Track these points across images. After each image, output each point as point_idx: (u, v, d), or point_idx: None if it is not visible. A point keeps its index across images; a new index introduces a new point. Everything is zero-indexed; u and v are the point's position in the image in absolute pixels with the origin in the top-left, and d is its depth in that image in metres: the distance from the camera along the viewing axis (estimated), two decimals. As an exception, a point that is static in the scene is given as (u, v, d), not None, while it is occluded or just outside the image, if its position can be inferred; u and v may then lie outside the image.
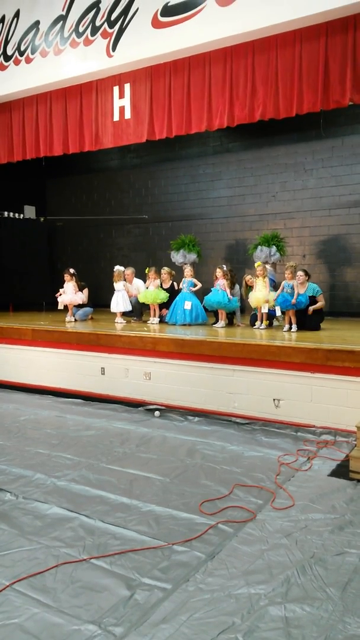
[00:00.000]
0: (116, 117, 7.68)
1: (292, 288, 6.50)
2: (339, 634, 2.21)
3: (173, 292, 7.93)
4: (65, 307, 8.40)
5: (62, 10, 7.75)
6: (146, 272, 7.91)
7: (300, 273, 6.72)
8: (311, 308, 6.69)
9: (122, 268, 8.08)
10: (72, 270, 8.38)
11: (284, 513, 3.38)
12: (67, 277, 8.34)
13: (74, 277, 8.35)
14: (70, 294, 8.31)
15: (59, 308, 8.48)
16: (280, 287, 6.62)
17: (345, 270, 9.39)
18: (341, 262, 9.41)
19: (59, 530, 3.15)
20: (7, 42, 8.44)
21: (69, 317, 8.31)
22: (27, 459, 4.42)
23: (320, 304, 6.81)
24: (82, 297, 8.41)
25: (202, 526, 3.19)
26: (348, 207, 9.22)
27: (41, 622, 2.31)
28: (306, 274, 6.82)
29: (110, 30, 7.29)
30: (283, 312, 6.73)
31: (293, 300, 6.44)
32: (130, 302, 8.04)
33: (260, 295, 6.88)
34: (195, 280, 7.63)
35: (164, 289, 7.92)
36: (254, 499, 3.60)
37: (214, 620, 2.31)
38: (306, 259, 9.71)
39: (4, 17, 8.47)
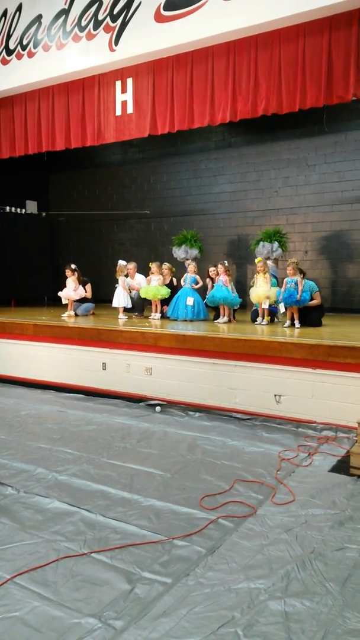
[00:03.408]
0: (118, 112, 7.66)
1: (296, 284, 6.47)
2: (339, 629, 2.21)
3: (173, 288, 7.92)
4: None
5: (65, 4, 7.71)
6: (150, 266, 7.92)
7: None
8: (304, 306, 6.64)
9: (124, 262, 8.08)
10: (72, 266, 8.41)
11: (284, 508, 3.39)
12: (68, 272, 8.36)
13: (75, 273, 8.36)
14: (70, 289, 8.33)
15: (63, 302, 8.52)
16: (284, 284, 6.59)
17: (348, 266, 9.37)
18: (343, 258, 9.39)
19: (60, 525, 3.16)
20: (9, 37, 8.41)
21: (66, 313, 8.31)
22: (28, 454, 4.44)
23: (315, 301, 6.76)
24: (80, 293, 8.42)
25: (203, 521, 3.19)
26: (351, 202, 9.19)
27: (42, 615, 2.32)
28: (301, 272, 6.70)
29: (112, 25, 7.26)
30: (286, 309, 6.69)
31: (298, 297, 6.41)
32: (132, 297, 8.05)
33: (261, 291, 6.86)
34: (198, 277, 7.62)
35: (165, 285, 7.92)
36: (255, 494, 3.61)
37: (214, 614, 2.32)
38: (308, 254, 9.69)
39: (6, 11, 8.44)
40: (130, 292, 8.06)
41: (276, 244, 8.67)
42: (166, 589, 2.51)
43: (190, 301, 7.43)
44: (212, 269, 7.89)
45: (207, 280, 7.96)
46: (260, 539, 2.99)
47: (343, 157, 9.25)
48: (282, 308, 6.68)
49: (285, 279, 6.61)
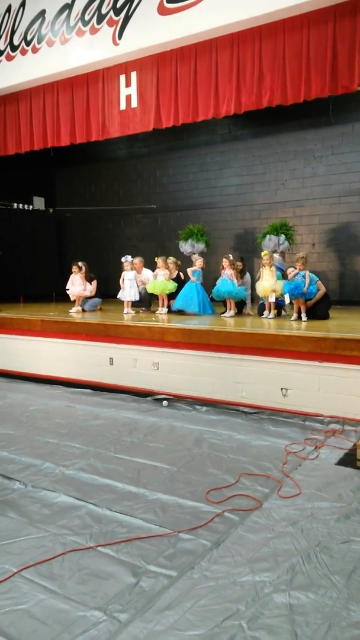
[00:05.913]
0: (123, 106, 7.63)
1: (304, 277, 6.44)
2: (343, 621, 2.21)
3: (179, 283, 7.91)
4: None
5: (68, -1, 7.70)
6: (155, 260, 7.91)
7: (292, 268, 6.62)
8: (312, 302, 6.60)
9: (129, 257, 8.07)
10: (80, 263, 8.43)
11: (290, 501, 3.39)
12: (74, 269, 8.39)
13: (82, 269, 8.38)
14: (77, 286, 8.35)
15: (71, 298, 8.56)
16: (292, 277, 6.54)
17: (355, 258, 9.30)
18: (351, 250, 9.32)
19: (67, 519, 3.18)
20: (13, 32, 8.40)
21: (74, 308, 8.34)
22: (36, 448, 4.47)
23: (321, 291, 6.69)
24: (90, 289, 8.45)
25: (208, 514, 3.20)
26: (358, 194, 9.12)
27: (48, 608, 2.34)
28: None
29: (116, 18, 7.23)
30: (291, 301, 6.65)
31: (304, 289, 6.37)
32: (140, 292, 8.05)
33: (267, 284, 6.83)
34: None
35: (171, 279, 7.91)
36: (261, 488, 3.61)
37: (219, 607, 2.33)
38: (315, 247, 9.63)
39: (9, 6, 8.43)
40: (138, 286, 8.06)
41: (283, 236, 8.62)
42: (171, 582, 2.52)
43: (196, 296, 7.43)
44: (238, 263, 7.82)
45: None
46: (266, 532, 2.99)
47: (350, 148, 9.17)
48: (287, 299, 6.64)
49: (293, 272, 6.56)
